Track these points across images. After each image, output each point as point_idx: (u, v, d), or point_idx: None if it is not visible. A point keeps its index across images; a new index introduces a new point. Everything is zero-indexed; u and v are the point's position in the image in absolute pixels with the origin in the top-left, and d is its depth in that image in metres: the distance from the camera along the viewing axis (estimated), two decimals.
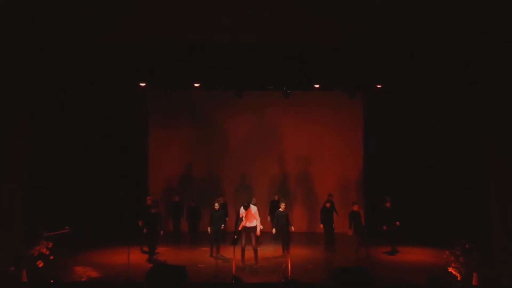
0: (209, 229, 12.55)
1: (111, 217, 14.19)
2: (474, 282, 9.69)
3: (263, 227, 12.44)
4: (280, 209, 12.64)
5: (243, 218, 12.01)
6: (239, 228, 12.04)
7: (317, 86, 13.60)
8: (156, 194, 15.53)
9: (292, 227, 12.56)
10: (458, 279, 9.94)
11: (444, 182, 14.28)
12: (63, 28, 10.80)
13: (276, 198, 14.36)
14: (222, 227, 12.70)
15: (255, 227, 12.00)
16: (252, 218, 11.99)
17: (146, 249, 12.36)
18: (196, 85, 13.55)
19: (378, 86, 13.71)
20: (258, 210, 12.25)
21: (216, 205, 12.61)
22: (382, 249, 12.92)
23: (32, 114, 11.57)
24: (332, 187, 15.58)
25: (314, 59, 12.03)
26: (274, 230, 12.83)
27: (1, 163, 10.76)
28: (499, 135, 11.08)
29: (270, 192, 15.47)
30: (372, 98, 15.52)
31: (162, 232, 12.44)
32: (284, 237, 12.52)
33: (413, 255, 12.85)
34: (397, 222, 12.69)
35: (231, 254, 10.71)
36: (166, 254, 12.70)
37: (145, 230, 12.25)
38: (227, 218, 13.93)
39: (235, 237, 10.93)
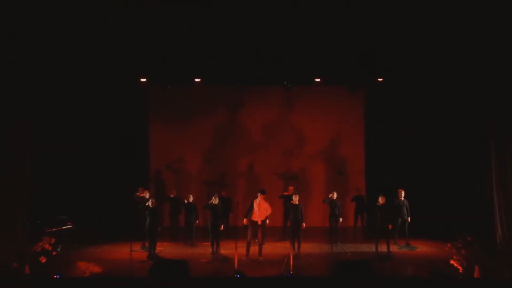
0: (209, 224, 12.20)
1: (113, 213, 14.20)
2: (476, 275, 9.69)
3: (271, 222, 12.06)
4: (293, 202, 12.04)
5: (254, 208, 11.55)
6: (249, 217, 11.59)
7: (317, 80, 13.57)
8: (158, 189, 15.53)
9: (304, 224, 12.02)
10: (460, 271, 9.95)
11: (446, 175, 14.24)
12: (62, 26, 10.80)
13: (287, 192, 13.99)
14: (222, 228, 12.20)
15: (263, 223, 11.64)
16: (263, 212, 11.57)
17: (147, 244, 12.37)
18: (197, 80, 13.55)
19: (379, 79, 13.70)
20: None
21: (215, 200, 12.10)
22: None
23: (32, 114, 11.55)
24: (332, 181, 15.54)
25: (315, 53, 12.01)
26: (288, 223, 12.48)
27: (2, 162, 10.78)
28: (502, 125, 11.05)
29: (272, 187, 15.13)
30: (373, 92, 15.49)
31: (160, 228, 12.29)
32: (294, 233, 11.97)
33: (415, 247, 12.84)
34: (390, 226, 12.25)
35: (233, 248, 10.70)
36: (168, 249, 12.72)
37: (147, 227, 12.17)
38: (230, 214, 13.91)
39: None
